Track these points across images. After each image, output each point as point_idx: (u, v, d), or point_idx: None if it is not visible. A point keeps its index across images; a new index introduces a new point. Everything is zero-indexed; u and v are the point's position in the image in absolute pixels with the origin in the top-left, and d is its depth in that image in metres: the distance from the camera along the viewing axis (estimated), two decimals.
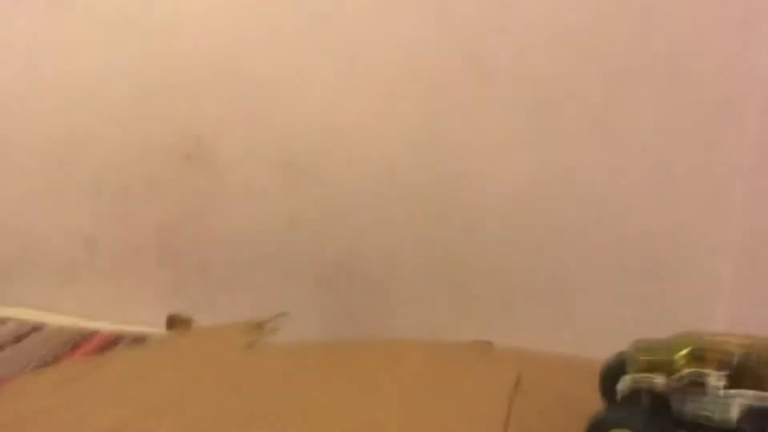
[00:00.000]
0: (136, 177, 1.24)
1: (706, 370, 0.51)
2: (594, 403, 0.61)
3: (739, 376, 0.50)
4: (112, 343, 1.17)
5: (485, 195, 1.16)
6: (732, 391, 0.50)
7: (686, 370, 0.52)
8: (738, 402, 0.49)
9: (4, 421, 0.75)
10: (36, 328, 1.19)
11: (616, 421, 0.54)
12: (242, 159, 1.19)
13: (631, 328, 0.76)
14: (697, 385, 0.51)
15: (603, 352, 0.69)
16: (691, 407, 0.51)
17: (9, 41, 1.27)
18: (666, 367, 0.53)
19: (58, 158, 1.27)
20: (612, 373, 0.62)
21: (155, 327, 1.21)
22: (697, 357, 0.52)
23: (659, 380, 0.53)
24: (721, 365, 0.50)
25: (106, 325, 1.21)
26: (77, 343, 1.16)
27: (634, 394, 0.56)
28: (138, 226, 1.25)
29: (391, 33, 1.11)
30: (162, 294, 1.29)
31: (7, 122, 1.28)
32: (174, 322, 1.02)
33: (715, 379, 0.51)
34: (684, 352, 0.53)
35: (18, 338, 1.16)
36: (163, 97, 1.19)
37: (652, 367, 0.54)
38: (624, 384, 0.57)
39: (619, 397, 0.58)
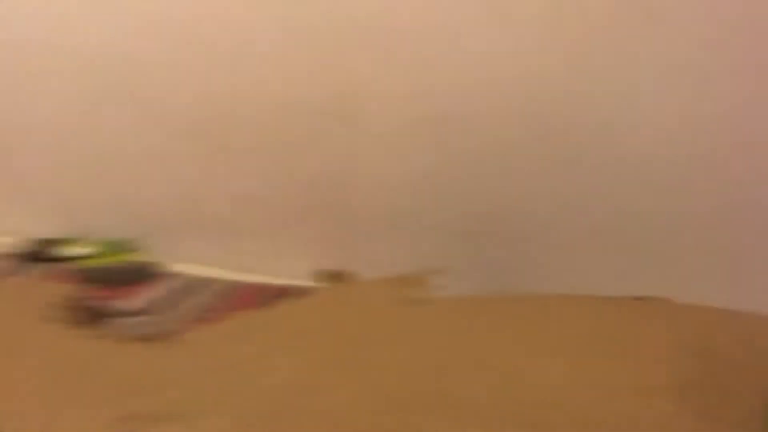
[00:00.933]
0: (289, 134, 1.28)
1: None
2: None
3: None
4: (270, 295, 1.23)
5: (636, 142, 1.13)
6: None
7: None
8: None
9: (184, 371, 0.80)
10: (201, 281, 1.28)
11: None
12: (390, 114, 1.21)
13: None
14: None
15: None
16: None
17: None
18: None
19: (218, 119, 1.33)
20: None
21: (308, 280, 1.27)
22: None
23: None
24: None
25: (263, 278, 1.29)
26: (237, 295, 1.23)
27: None
28: (291, 182, 1.30)
29: None
30: (312, 248, 1.35)
31: (167, 84, 1.35)
32: (327, 276, 1.06)
33: None
34: None
35: (186, 290, 1.24)
36: (314, 54, 1.21)
37: None
38: None
39: None
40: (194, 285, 1.26)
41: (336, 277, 1.24)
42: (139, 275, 1.26)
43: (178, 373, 0.76)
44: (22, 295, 1.04)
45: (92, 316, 1.03)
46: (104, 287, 1.17)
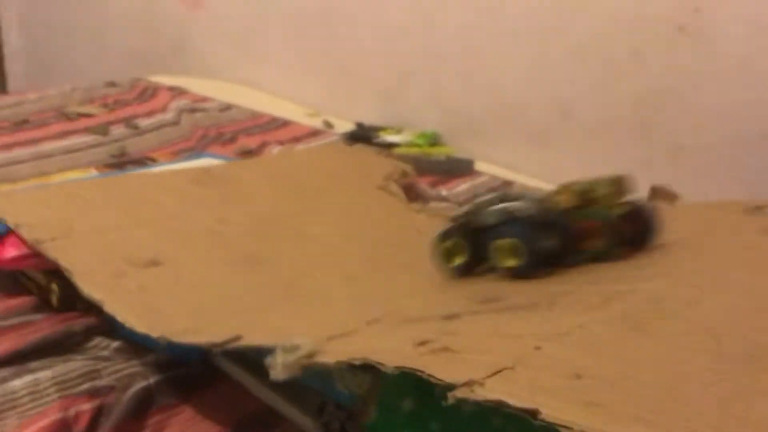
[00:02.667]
0: (620, 47, 1.21)
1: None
2: None
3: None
4: None
5: None
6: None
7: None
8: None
9: None
10: (506, 183, 1.29)
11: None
12: (745, 35, 1.09)
13: None
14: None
15: None
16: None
17: None
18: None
19: (544, 26, 1.30)
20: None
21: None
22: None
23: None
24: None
25: None
26: None
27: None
28: (616, 98, 1.24)
29: None
30: (631, 169, 1.28)
31: None
32: (658, 194, 1.00)
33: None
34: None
35: (492, 190, 1.26)
36: None
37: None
38: None
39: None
40: (498, 186, 1.27)
41: (670, 197, 1.16)
42: (451, 168, 1.30)
43: None
44: (364, 163, 1.12)
45: (415, 196, 1.09)
46: (421, 175, 1.23)
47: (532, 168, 1.34)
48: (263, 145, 1.37)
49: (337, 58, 1.64)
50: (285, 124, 1.53)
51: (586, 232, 0.71)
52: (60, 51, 2.35)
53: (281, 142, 1.39)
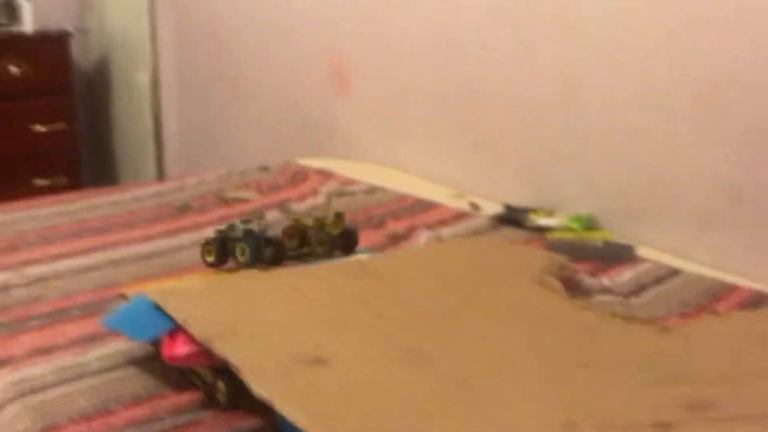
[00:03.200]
0: None
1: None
2: None
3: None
4: (754, 301, 1.11)
5: None
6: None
7: None
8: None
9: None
10: (673, 272, 1.20)
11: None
12: None
13: None
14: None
15: None
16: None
17: None
18: None
19: (704, 103, 1.23)
20: None
21: None
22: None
23: None
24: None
25: (746, 281, 1.16)
26: (716, 294, 1.13)
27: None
28: None
29: None
30: None
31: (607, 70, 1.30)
32: None
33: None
34: None
35: (658, 280, 1.18)
36: None
37: None
38: None
39: None
40: (663, 274, 1.19)
41: None
42: (611, 255, 1.23)
43: (696, 365, 0.71)
44: (519, 256, 1.08)
45: (576, 289, 1.04)
46: (578, 261, 1.17)
47: (699, 254, 1.25)
48: (411, 229, 1.36)
49: (479, 136, 1.63)
50: (431, 206, 1.52)
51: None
52: (214, 134, 2.49)
53: (429, 226, 1.38)
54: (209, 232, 1.17)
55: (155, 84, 2.65)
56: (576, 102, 1.42)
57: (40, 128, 2.52)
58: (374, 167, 1.81)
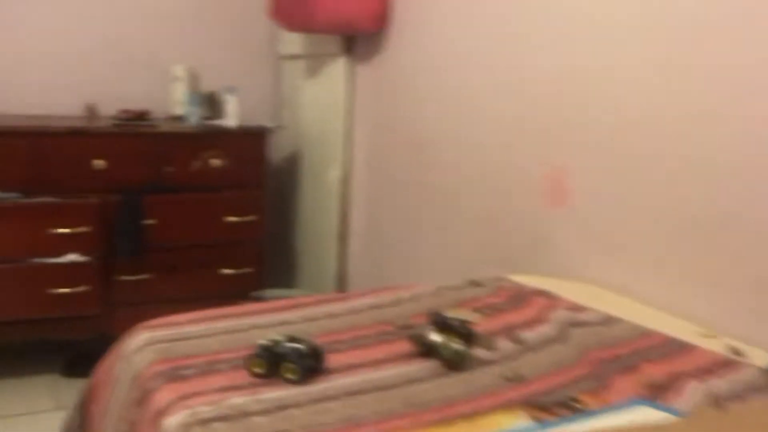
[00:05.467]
0: None
1: None
2: None
3: None
4: None
5: None
6: None
7: None
8: None
9: None
10: None
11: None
12: None
13: None
14: None
15: None
16: None
17: None
18: None
19: None
20: None
21: None
22: None
23: None
24: None
25: None
26: None
27: None
28: None
29: None
30: None
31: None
32: None
33: None
34: None
35: None
36: None
37: None
38: None
39: None
40: None
41: None
42: None
43: None
44: None
45: None
46: None
47: None
48: (674, 378, 1.17)
49: (737, 267, 1.42)
50: (684, 347, 1.32)
51: None
52: (401, 238, 2.41)
53: (693, 376, 1.19)
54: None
55: (345, 181, 2.64)
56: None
57: (232, 219, 2.56)
58: (597, 290, 1.64)
